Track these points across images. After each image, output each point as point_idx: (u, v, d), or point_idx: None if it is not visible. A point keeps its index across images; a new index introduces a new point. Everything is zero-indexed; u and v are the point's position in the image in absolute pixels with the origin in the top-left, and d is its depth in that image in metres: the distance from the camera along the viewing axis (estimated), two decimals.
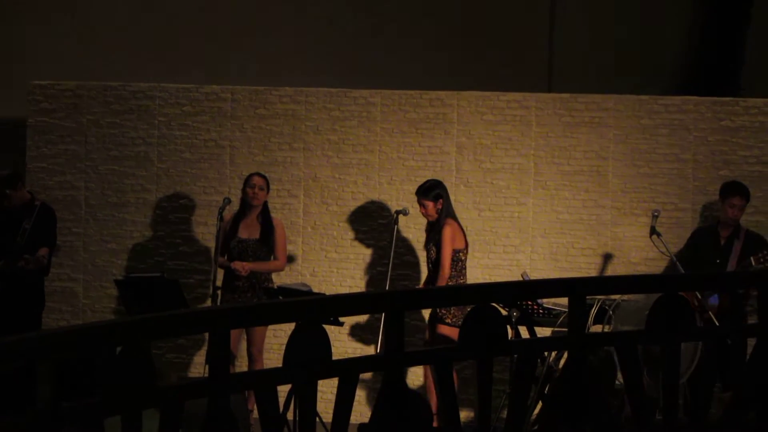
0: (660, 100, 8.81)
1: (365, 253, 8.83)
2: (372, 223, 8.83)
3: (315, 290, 8.08)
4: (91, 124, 9.08)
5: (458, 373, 7.86)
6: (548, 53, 11.78)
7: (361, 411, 8.58)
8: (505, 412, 5.72)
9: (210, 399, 4.46)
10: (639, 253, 8.61)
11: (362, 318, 8.68)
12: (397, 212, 8.06)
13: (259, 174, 8.20)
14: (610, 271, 8.61)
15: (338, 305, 5.38)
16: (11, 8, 11.18)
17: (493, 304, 5.52)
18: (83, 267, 9.06)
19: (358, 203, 8.85)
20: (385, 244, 8.55)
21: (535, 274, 8.46)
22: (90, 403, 4.10)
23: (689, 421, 5.88)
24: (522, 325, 7.47)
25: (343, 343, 8.63)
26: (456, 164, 8.80)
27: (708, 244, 8.05)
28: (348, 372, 4.95)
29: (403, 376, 5.12)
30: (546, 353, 7.28)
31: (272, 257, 8.09)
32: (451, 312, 7.67)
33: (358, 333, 8.75)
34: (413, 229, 8.64)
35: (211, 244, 8.24)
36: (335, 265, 8.85)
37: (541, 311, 7.56)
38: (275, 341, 8.59)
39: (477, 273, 8.63)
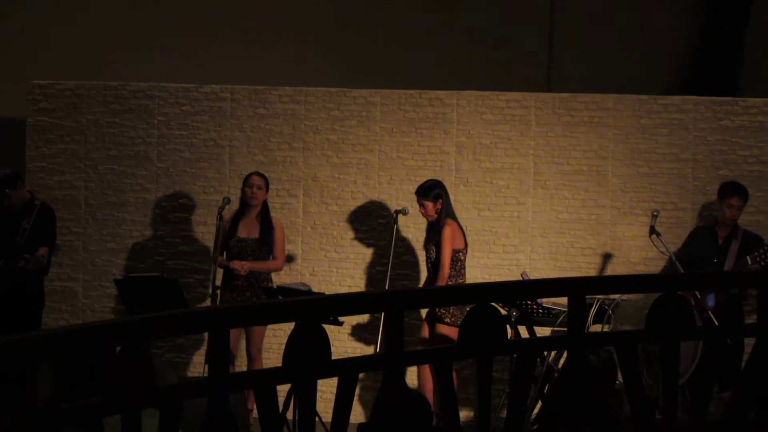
0: (659, 100, 8.81)
1: (365, 253, 8.83)
2: (371, 222, 8.83)
3: (314, 290, 8.08)
4: (90, 123, 9.08)
5: (458, 373, 7.87)
6: (548, 53, 11.79)
7: (356, 410, 8.58)
8: (505, 412, 5.72)
9: (209, 398, 4.46)
10: (638, 253, 8.62)
11: (362, 317, 8.68)
12: (397, 212, 8.06)
13: (258, 173, 8.20)
14: (610, 271, 8.61)
15: (338, 305, 5.38)
16: (11, 7, 11.18)
17: (493, 304, 5.52)
18: (83, 266, 9.06)
19: (358, 203, 8.85)
20: (385, 243, 8.55)
21: (534, 274, 8.46)
22: (90, 403, 4.10)
23: (689, 420, 5.88)
24: (521, 324, 7.47)
25: (342, 343, 8.63)
26: (455, 164, 8.80)
27: (706, 243, 8.06)
28: (348, 371, 4.95)
29: (402, 375, 5.12)
30: (545, 353, 7.28)
31: (271, 257, 8.09)
32: (450, 311, 7.67)
33: (358, 332, 8.75)
34: (413, 228, 8.64)
35: (211, 243, 8.25)
36: (335, 265, 8.85)
37: (540, 311, 7.56)
38: (275, 341, 8.59)
39: (476, 272, 8.63)
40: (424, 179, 8.09)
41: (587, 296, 5.89)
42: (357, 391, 6.68)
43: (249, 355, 8.02)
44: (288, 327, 5.43)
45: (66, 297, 9.04)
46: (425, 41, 11.43)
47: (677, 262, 7.73)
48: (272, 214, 8.20)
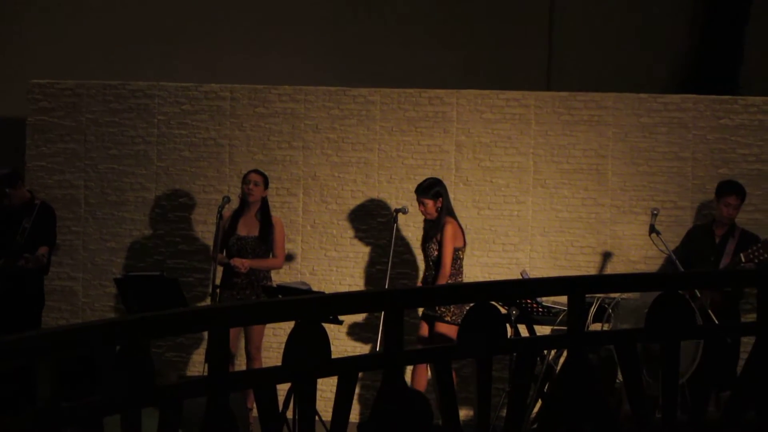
0: (659, 99, 8.81)
1: (365, 252, 8.83)
2: (371, 221, 8.83)
3: (314, 289, 8.08)
4: (90, 122, 9.08)
5: (457, 372, 7.87)
6: (547, 51, 11.78)
7: (356, 409, 8.58)
8: (505, 411, 5.72)
9: (209, 398, 4.46)
10: (638, 252, 8.62)
11: (362, 316, 8.69)
12: (397, 211, 8.06)
13: (255, 171, 8.20)
14: (610, 270, 8.61)
15: (338, 304, 5.39)
16: (11, 7, 11.18)
17: (493, 303, 5.52)
18: (83, 266, 9.06)
19: (358, 202, 8.85)
20: (385, 242, 8.55)
21: (534, 273, 8.46)
22: (90, 402, 4.11)
23: (688, 419, 5.88)
24: (521, 323, 7.47)
25: (342, 342, 8.64)
26: (455, 163, 8.80)
27: (703, 242, 8.06)
28: (347, 371, 4.95)
29: (402, 374, 5.12)
30: (545, 351, 7.28)
31: (271, 255, 8.09)
32: (451, 310, 7.68)
33: (358, 332, 8.75)
34: (413, 227, 8.64)
35: (211, 242, 8.25)
36: (335, 264, 8.85)
37: (540, 309, 7.57)
38: (275, 340, 8.60)
39: (476, 271, 8.63)
40: (424, 178, 8.09)
41: (587, 295, 5.89)
42: (357, 390, 6.69)
43: (248, 354, 8.02)
44: (288, 326, 5.43)
45: (66, 296, 9.04)
46: (425, 40, 11.42)
47: (677, 261, 7.73)
48: (272, 213, 8.19)
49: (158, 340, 8.61)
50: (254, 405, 5.72)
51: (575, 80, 11.12)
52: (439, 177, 8.15)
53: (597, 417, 5.55)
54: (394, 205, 8.63)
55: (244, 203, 8.13)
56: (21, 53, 10.97)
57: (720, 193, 8.04)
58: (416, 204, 7.93)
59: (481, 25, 11.67)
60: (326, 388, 6.96)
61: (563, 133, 8.75)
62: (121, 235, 9.02)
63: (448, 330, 7.63)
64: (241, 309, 5.02)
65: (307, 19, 11.42)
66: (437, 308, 7.68)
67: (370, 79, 9.82)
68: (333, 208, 8.87)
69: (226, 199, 8.04)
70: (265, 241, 8.03)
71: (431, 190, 7.83)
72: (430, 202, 7.82)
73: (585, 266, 8.65)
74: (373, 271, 8.80)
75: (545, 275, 8.45)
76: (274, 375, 4.86)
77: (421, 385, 7.72)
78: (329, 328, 5.28)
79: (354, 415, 5.15)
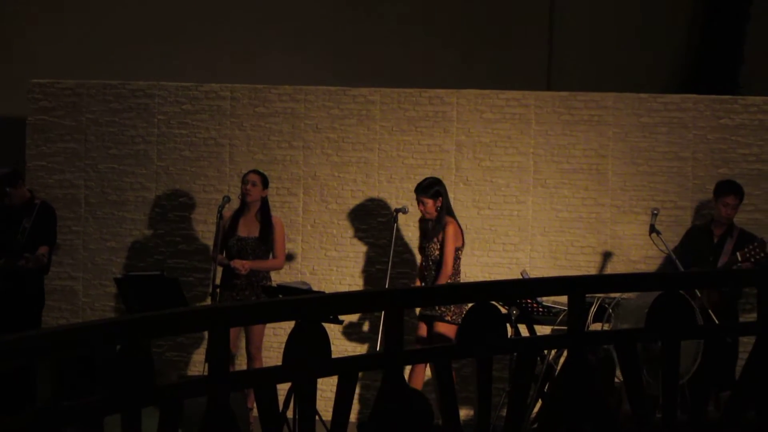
0: (659, 98, 8.81)
1: (365, 252, 8.83)
2: (371, 221, 8.83)
3: (314, 288, 8.08)
4: (90, 122, 9.08)
5: (457, 372, 7.87)
6: (547, 51, 11.78)
7: (356, 409, 8.58)
8: (505, 411, 5.72)
9: (209, 397, 4.46)
10: (638, 252, 8.62)
11: (362, 316, 8.68)
12: (397, 210, 8.06)
13: (253, 171, 8.19)
14: (610, 270, 8.61)
15: (338, 303, 5.39)
16: (11, 7, 11.18)
17: (493, 303, 5.52)
18: (83, 265, 9.06)
19: (358, 201, 8.85)
20: (385, 242, 8.55)
21: (534, 273, 8.46)
22: (90, 402, 4.11)
23: (689, 419, 5.88)
24: (521, 323, 7.47)
25: (342, 342, 8.64)
26: (455, 162, 8.80)
27: (701, 242, 8.06)
28: (348, 370, 4.95)
29: (403, 374, 5.12)
30: (546, 351, 7.28)
31: (271, 255, 8.09)
32: (451, 309, 7.68)
33: (358, 331, 8.75)
34: (413, 227, 8.63)
35: (211, 242, 8.25)
36: (335, 264, 8.85)
37: (540, 309, 7.57)
38: (275, 339, 8.59)
39: (476, 271, 8.63)
40: (424, 178, 8.09)
41: (587, 295, 5.89)
42: (357, 389, 6.69)
43: (249, 354, 8.02)
44: (288, 326, 5.43)
45: (66, 296, 9.04)
46: (425, 40, 11.42)
47: (677, 261, 7.73)
48: (273, 213, 8.19)
49: (158, 340, 8.61)
50: (254, 405, 5.72)
51: (575, 80, 11.13)
52: (440, 177, 8.15)
53: (597, 417, 5.55)
54: (394, 204, 8.63)
55: (244, 203, 8.13)
56: (21, 53, 10.97)
57: (718, 193, 8.05)
58: (416, 204, 7.93)
59: (481, 25, 11.67)
60: (326, 388, 6.96)
61: (563, 133, 8.75)
62: (122, 235, 9.02)
63: (449, 329, 7.63)
64: (241, 309, 5.02)
65: (307, 19, 11.42)
66: (437, 308, 7.68)
67: (370, 79, 9.82)
68: (333, 207, 8.87)
69: (227, 199, 8.04)
70: (265, 241, 8.03)
71: (431, 189, 7.83)
72: (429, 202, 7.83)
73: (585, 266, 8.65)
74: (373, 271, 8.80)
75: (545, 275, 8.45)
76: (275, 375, 4.86)
77: (418, 386, 7.72)
78: (329, 328, 5.28)
79: (353, 415, 5.16)
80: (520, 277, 7.95)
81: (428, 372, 7.77)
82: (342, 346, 8.55)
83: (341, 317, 7.32)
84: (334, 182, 8.88)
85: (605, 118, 8.74)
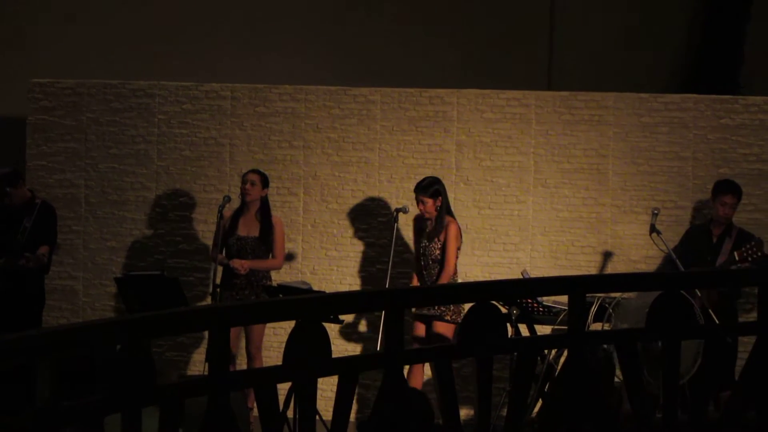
0: (660, 98, 8.81)
1: (365, 251, 8.83)
2: (372, 221, 8.83)
3: (315, 288, 8.08)
4: (90, 122, 9.08)
5: (457, 372, 7.87)
6: (548, 51, 11.78)
7: (356, 409, 8.57)
8: (505, 411, 5.72)
9: (210, 397, 4.46)
10: (639, 251, 8.62)
11: (362, 316, 8.68)
12: (397, 210, 8.06)
13: (253, 170, 8.19)
14: (610, 269, 8.61)
15: (338, 303, 5.39)
16: (11, 7, 11.17)
17: (493, 302, 5.52)
18: (83, 265, 9.06)
19: (358, 201, 8.85)
20: (385, 242, 8.55)
21: (534, 272, 8.46)
22: (90, 402, 4.10)
23: (689, 419, 5.88)
24: (522, 323, 7.47)
25: (342, 341, 8.63)
26: (456, 162, 8.80)
27: (700, 242, 8.06)
28: (348, 370, 4.95)
29: (403, 373, 5.12)
30: (546, 351, 7.28)
31: (270, 255, 8.08)
32: (451, 309, 7.68)
33: (358, 331, 8.75)
34: (413, 227, 8.63)
35: (211, 242, 8.25)
36: (335, 263, 8.85)
37: (541, 309, 7.56)
38: (275, 339, 8.59)
39: (476, 271, 8.63)
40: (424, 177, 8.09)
41: (588, 295, 5.89)
42: (357, 389, 6.68)
43: (249, 353, 8.02)
44: (288, 325, 5.43)
45: (66, 295, 9.04)
46: (425, 40, 11.42)
47: (677, 260, 7.73)
48: (273, 213, 8.19)
49: (159, 340, 8.60)
50: (254, 404, 5.71)
51: (576, 80, 11.12)
52: (440, 176, 8.15)
53: (597, 417, 5.55)
54: (394, 204, 8.63)
55: (244, 203, 8.13)
56: (21, 53, 10.97)
57: (716, 193, 8.05)
58: (416, 203, 7.92)
59: (482, 25, 11.67)
60: (326, 388, 6.96)
61: (564, 133, 8.74)
62: (122, 235, 9.02)
63: (448, 329, 7.63)
64: (242, 309, 5.02)
65: (307, 19, 11.42)
66: (437, 307, 7.68)
67: (371, 79, 9.82)
68: (333, 207, 8.87)
69: (227, 199, 8.04)
70: (265, 241, 8.03)
71: (431, 188, 7.84)
72: (429, 201, 7.83)
73: (585, 266, 8.64)
74: (373, 271, 8.80)
75: (546, 275, 8.45)
76: (275, 374, 4.86)
77: (417, 385, 7.72)
78: (329, 327, 5.28)
79: (353, 415, 5.16)
80: (521, 276, 7.95)
81: (428, 372, 7.77)
82: (342, 346, 8.55)
83: (341, 317, 7.32)
84: (335, 182, 8.88)
85: (606, 117, 8.74)
